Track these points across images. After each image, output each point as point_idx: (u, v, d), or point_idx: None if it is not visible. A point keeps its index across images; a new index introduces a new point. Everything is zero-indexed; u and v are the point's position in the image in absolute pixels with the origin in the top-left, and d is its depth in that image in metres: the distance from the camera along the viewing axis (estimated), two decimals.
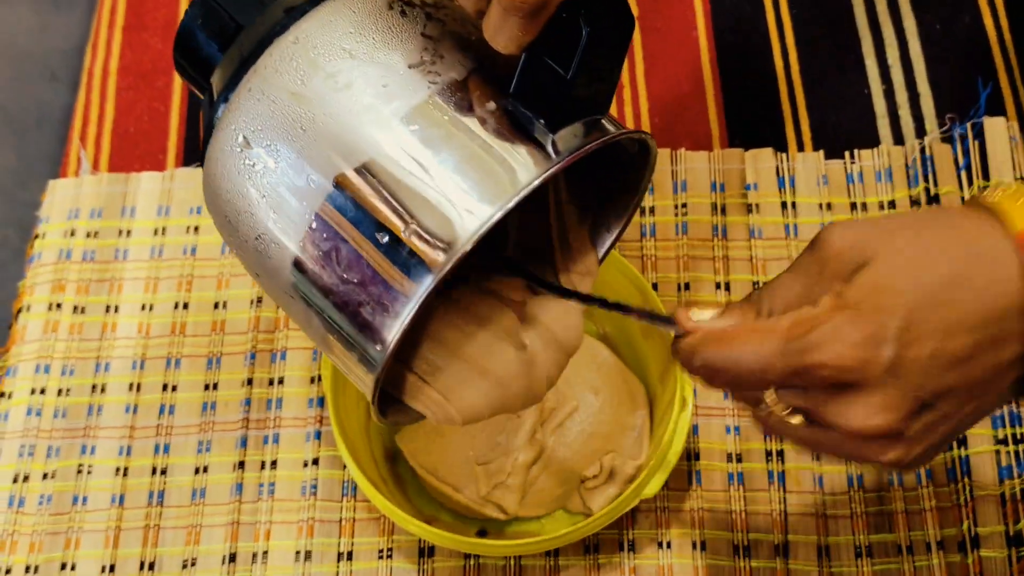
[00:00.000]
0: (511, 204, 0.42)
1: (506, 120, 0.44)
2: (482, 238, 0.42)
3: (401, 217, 0.43)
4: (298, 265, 0.45)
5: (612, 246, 0.53)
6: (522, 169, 0.43)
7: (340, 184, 0.43)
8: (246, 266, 0.48)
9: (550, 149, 0.43)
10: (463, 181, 0.42)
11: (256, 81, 0.45)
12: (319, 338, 0.47)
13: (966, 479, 0.63)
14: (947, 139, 0.72)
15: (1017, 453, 0.63)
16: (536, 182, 0.42)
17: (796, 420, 0.44)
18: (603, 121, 0.45)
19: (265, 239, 0.45)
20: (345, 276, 0.44)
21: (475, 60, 0.45)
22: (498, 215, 0.42)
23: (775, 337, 0.43)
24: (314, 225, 0.44)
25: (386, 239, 0.43)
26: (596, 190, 0.53)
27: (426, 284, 0.42)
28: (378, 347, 0.43)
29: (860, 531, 0.63)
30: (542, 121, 0.43)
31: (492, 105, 0.44)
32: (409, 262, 0.42)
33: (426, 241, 0.42)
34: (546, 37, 0.42)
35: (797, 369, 0.42)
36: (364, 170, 0.43)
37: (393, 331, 0.43)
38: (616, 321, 0.67)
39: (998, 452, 0.64)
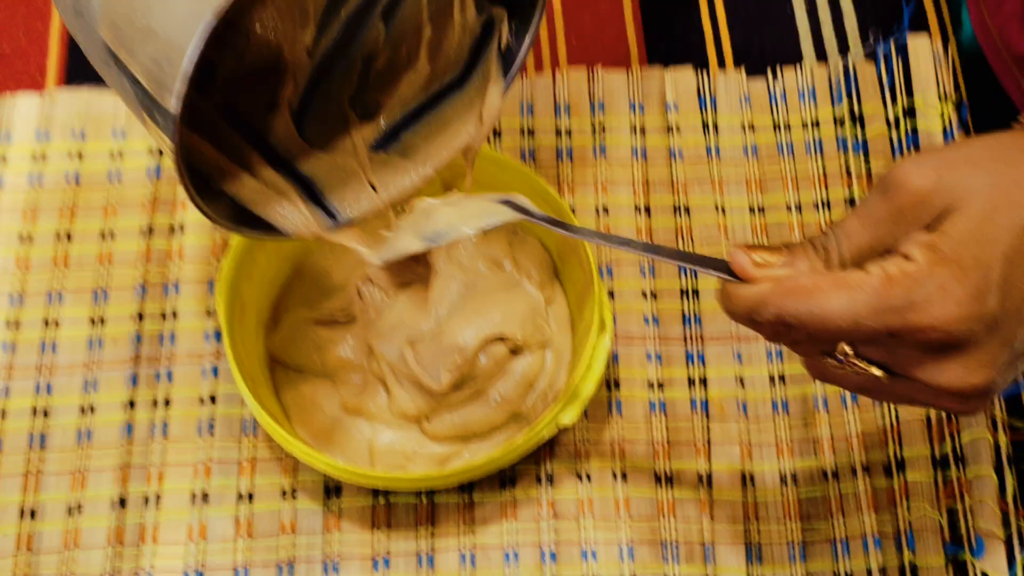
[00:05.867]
0: None
1: None
2: None
3: None
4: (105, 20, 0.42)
5: (516, 72, 0.49)
6: None
7: None
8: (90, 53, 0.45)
9: None
10: None
11: None
12: (137, 108, 0.44)
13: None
14: (870, 56, 0.70)
15: None
16: None
17: (877, 372, 0.42)
18: None
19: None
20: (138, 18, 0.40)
21: None
22: None
23: (866, 293, 0.40)
24: None
25: None
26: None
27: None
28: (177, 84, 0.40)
29: (785, 458, 0.60)
30: None
31: None
32: None
33: None
34: None
35: (895, 329, 0.40)
36: None
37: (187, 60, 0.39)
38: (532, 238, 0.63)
39: None
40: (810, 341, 0.43)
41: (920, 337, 0.40)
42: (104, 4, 0.42)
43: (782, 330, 0.42)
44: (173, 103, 0.40)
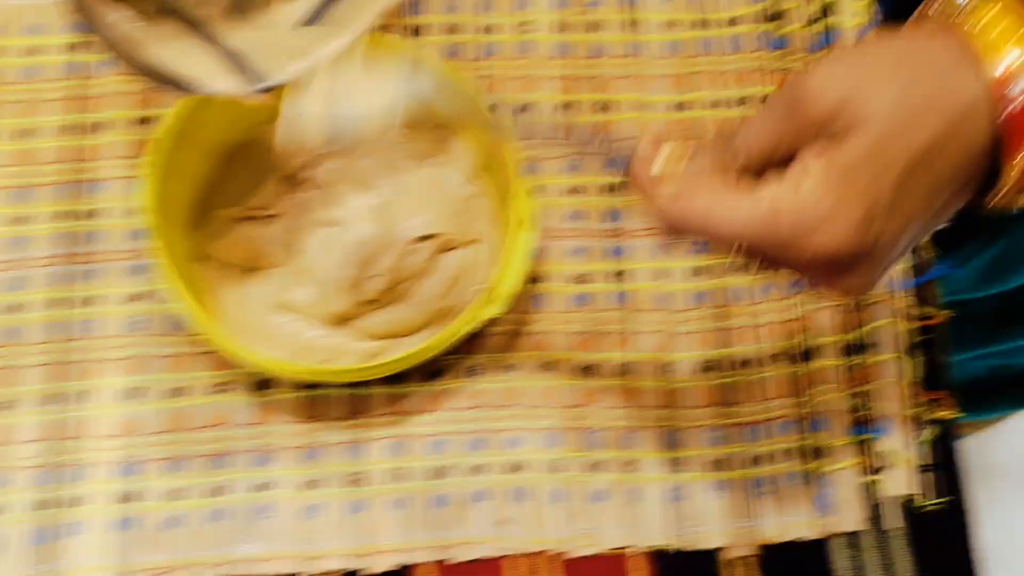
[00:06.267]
0: None
1: None
2: None
3: None
4: None
5: None
6: None
7: None
8: None
9: None
10: None
11: None
12: None
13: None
14: None
15: None
16: None
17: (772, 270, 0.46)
18: None
19: None
20: None
21: None
22: None
23: (756, 221, 0.42)
24: None
25: None
26: None
27: None
28: None
29: (701, 347, 0.63)
30: None
31: None
32: None
33: None
34: None
35: (780, 254, 0.43)
36: None
37: None
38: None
39: None
40: (706, 244, 0.46)
41: (804, 262, 0.43)
42: None
43: (681, 233, 0.45)
44: None
